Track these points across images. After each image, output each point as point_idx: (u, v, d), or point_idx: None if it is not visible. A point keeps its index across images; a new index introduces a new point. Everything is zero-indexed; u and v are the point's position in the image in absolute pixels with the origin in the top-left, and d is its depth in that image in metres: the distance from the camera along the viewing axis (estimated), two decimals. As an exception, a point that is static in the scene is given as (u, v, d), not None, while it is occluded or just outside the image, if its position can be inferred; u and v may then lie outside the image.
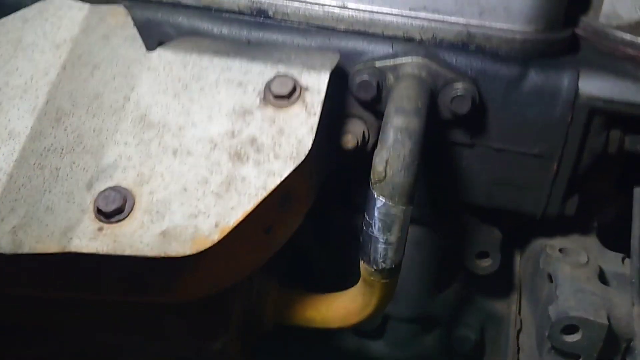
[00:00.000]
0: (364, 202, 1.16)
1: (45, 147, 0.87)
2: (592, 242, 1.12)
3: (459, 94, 0.94)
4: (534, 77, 0.96)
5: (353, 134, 0.98)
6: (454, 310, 1.23)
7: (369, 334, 1.30)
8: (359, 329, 1.29)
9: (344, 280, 1.20)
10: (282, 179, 0.82)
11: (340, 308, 1.01)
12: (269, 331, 1.08)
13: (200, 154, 0.84)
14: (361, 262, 0.93)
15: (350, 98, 0.99)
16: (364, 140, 1.00)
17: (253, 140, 0.85)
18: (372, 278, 0.92)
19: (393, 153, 0.84)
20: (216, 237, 0.78)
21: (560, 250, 1.07)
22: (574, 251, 1.07)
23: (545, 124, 0.98)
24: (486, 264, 1.12)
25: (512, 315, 1.19)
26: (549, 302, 1.01)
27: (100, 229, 0.79)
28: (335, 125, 0.99)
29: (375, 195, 0.85)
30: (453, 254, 1.17)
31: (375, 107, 0.99)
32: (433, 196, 1.09)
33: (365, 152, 1.02)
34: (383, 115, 1.00)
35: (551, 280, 1.05)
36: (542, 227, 1.15)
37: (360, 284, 0.98)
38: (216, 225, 0.79)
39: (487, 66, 0.96)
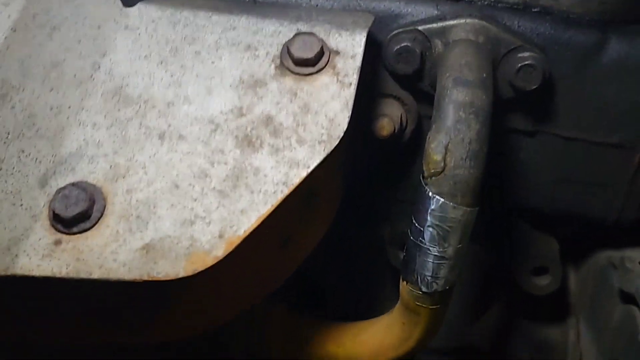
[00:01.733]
0: (389, 207, 0.97)
1: (-16, 132, 0.65)
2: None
3: (527, 62, 0.73)
4: (615, 47, 0.77)
5: (390, 118, 0.77)
6: (497, 339, 1.02)
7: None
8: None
9: (364, 310, 0.99)
10: (309, 171, 0.60)
11: (372, 341, 0.79)
12: (276, 369, 0.85)
13: (196, 139, 0.62)
14: (402, 283, 0.72)
15: (383, 73, 0.78)
16: (401, 127, 0.79)
17: (268, 120, 0.63)
18: (417, 303, 0.71)
19: (455, 137, 0.63)
20: (220, 251, 0.56)
21: (641, 263, 0.87)
22: (657, 265, 0.87)
23: (627, 106, 0.78)
24: (545, 282, 0.91)
25: (570, 345, 0.98)
26: (633, 328, 0.80)
27: (58, 242, 0.57)
28: (365, 106, 0.78)
29: (430, 194, 0.64)
30: (500, 270, 0.96)
31: (416, 84, 0.78)
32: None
33: (399, 143, 0.82)
34: (423, 96, 0.80)
35: (628, 301, 0.85)
36: (604, 235, 0.95)
37: (399, 310, 0.76)
38: (220, 236, 0.57)
39: (556, 32, 0.77)
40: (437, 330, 0.75)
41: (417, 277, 0.69)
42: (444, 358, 1.06)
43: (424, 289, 0.69)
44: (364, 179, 0.87)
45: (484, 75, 0.67)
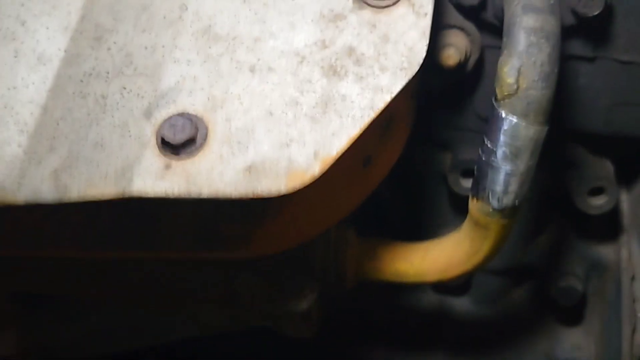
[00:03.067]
0: (450, 135, 1.01)
1: (85, 72, 0.70)
2: None
3: (590, -12, 0.76)
4: (675, -31, 0.79)
5: (456, 48, 0.80)
6: (552, 258, 1.07)
7: (451, 290, 1.14)
8: (440, 285, 1.13)
9: (422, 235, 1.05)
10: (394, 95, 0.65)
11: (441, 257, 0.85)
12: (350, 290, 0.92)
13: (284, 70, 0.67)
14: (472, 200, 0.77)
15: (448, 5, 0.82)
16: (466, 57, 0.83)
17: (351, 51, 0.68)
18: (487, 218, 0.76)
19: (527, 59, 0.67)
20: (317, 169, 0.62)
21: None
22: None
23: (685, 28, 0.81)
24: (601, 202, 0.95)
25: (623, 263, 1.03)
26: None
27: (168, 166, 0.63)
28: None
29: (503, 114, 0.68)
30: (555, 191, 1.00)
31: (480, 15, 0.82)
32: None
33: (463, 72, 0.86)
34: (486, 27, 0.84)
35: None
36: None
37: (467, 226, 0.81)
38: (315, 156, 0.62)
39: (617, -45, 0.79)
40: (503, 244, 0.80)
41: (488, 193, 0.74)
42: (502, 277, 1.12)
43: (494, 205, 0.74)
44: (428, 107, 0.91)
45: (552, 1, 0.70)
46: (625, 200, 1.06)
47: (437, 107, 0.93)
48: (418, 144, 1.00)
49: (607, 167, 0.96)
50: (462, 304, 1.15)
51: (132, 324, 0.91)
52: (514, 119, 0.68)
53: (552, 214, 1.09)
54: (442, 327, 1.17)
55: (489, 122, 0.71)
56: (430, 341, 1.18)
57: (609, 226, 1.07)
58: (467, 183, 0.97)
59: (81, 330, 0.92)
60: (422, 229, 1.07)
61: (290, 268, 0.81)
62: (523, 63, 0.67)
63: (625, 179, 1.05)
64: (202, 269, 0.82)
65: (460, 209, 0.99)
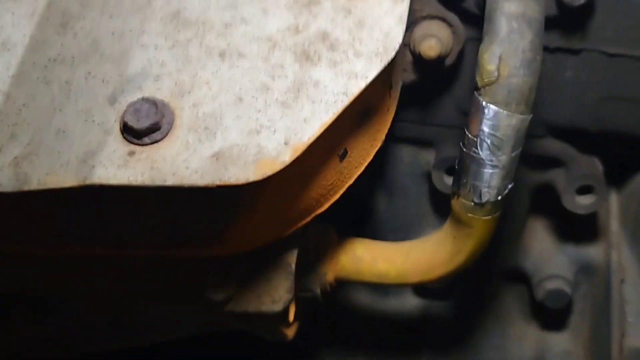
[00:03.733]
0: (432, 131, 0.98)
1: (50, 58, 0.68)
2: None
3: (574, -22, 0.74)
4: (662, -41, 0.77)
5: (437, 39, 0.78)
6: (541, 261, 1.04)
7: (435, 293, 1.11)
8: (423, 288, 1.10)
9: (406, 234, 1.02)
10: (368, 81, 0.62)
11: (423, 258, 0.82)
12: (329, 291, 0.88)
13: (256, 55, 0.64)
14: (454, 197, 0.74)
15: (429, -6, 0.80)
16: (448, 48, 0.80)
17: (324, 36, 0.65)
18: (469, 215, 0.73)
19: (509, 46, 0.64)
20: (287, 157, 0.59)
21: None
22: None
23: (674, 20, 0.79)
24: (589, 201, 0.92)
25: (613, 265, 1.00)
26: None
27: (132, 153, 0.60)
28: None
29: (484, 103, 0.66)
30: (544, 191, 0.97)
31: (461, 5, 0.80)
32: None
33: (444, 64, 0.83)
34: (468, 17, 0.82)
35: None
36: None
37: (450, 225, 0.78)
38: (286, 143, 0.59)
39: (602, -54, 0.77)
40: (487, 243, 0.78)
41: (470, 188, 0.71)
42: (487, 281, 1.09)
43: (476, 200, 0.71)
44: (408, 103, 0.89)
45: (534, -13, 0.68)
46: (614, 201, 1.04)
47: (420, 102, 0.91)
48: (401, 140, 0.98)
49: (595, 166, 0.93)
50: (447, 308, 1.12)
51: (105, 325, 0.88)
52: (496, 108, 0.65)
53: (540, 214, 1.06)
54: (426, 332, 1.14)
55: (470, 112, 0.68)
56: (414, 347, 1.15)
57: (599, 226, 1.04)
58: (451, 181, 0.94)
59: (52, 329, 0.88)
60: (406, 228, 1.04)
61: (266, 268, 0.78)
62: (504, 50, 0.64)
63: (615, 178, 1.03)
64: (174, 268, 0.78)
65: (444, 208, 0.97)
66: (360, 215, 1.06)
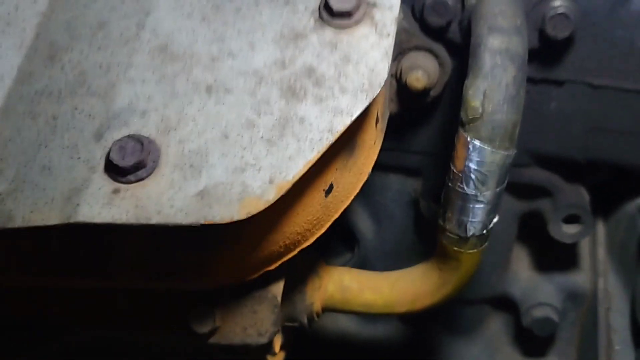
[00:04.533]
0: (420, 160, 0.98)
1: (37, 91, 0.68)
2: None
3: (559, 12, 0.75)
4: (645, -7, 0.78)
5: (424, 71, 0.78)
6: (529, 288, 1.05)
7: (419, 320, 1.11)
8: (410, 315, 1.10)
9: (395, 262, 1.02)
10: (353, 118, 0.62)
11: (409, 288, 0.82)
12: (315, 320, 0.88)
13: (242, 91, 0.64)
14: (440, 230, 0.75)
15: (413, 24, 0.80)
16: (435, 79, 0.81)
17: (310, 71, 0.65)
18: (455, 248, 0.74)
19: (492, 82, 0.65)
20: (271, 196, 0.59)
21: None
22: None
23: (658, 53, 0.79)
24: (575, 230, 0.93)
25: (600, 293, 1.00)
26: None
27: (117, 191, 0.60)
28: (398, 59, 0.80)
29: (468, 139, 0.66)
30: (531, 219, 0.98)
31: (448, 36, 0.80)
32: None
33: (431, 95, 0.83)
34: (454, 48, 0.82)
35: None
36: (634, 184, 0.96)
37: (436, 257, 0.79)
38: (271, 181, 0.59)
39: (587, -20, 0.78)
40: (472, 275, 0.78)
41: (455, 223, 0.71)
42: (476, 307, 1.09)
43: (461, 234, 0.72)
44: (394, 131, 0.89)
45: (518, 22, 0.68)
46: (601, 229, 1.04)
47: (405, 131, 0.91)
48: (388, 169, 0.98)
49: (582, 195, 0.94)
50: (435, 334, 1.12)
51: (84, 350, 0.87)
52: (480, 144, 0.66)
53: (527, 242, 1.06)
54: (414, 357, 1.14)
55: (454, 148, 0.68)
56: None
57: (586, 255, 1.04)
58: (439, 208, 0.94)
59: (37, 356, 0.88)
60: (394, 255, 1.04)
61: (251, 301, 0.78)
62: (488, 85, 0.65)
63: (602, 207, 1.03)
64: (159, 299, 0.78)
65: (432, 235, 0.97)
66: (350, 243, 1.06)
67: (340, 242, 1.08)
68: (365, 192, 1.01)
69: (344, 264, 1.01)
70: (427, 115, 0.89)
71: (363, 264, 1.05)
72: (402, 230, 1.02)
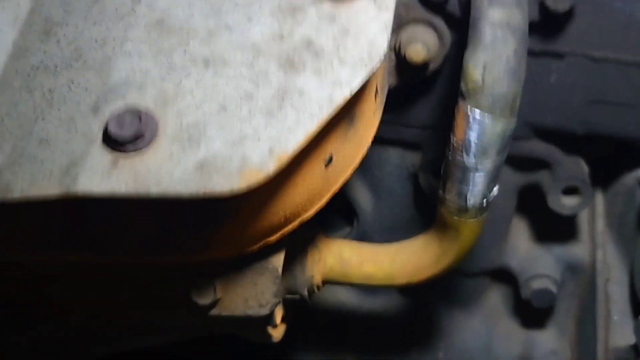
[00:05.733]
0: (419, 134, 0.98)
1: (33, 66, 0.67)
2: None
3: (559, -17, 0.74)
4: (646, -37, 0.77)
5: (423, 44, 0.78)
6: (528, 260, 1.05)
7: (419, 292, 1.11)
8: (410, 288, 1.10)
9: (393, 235, 1.02)
10: (353, 90, 0.62)
11: (410, 260, 0.83)
12: (315, 293, 0.89)
13: (240, 63, 0.64)
14: (440, 201, 0.75)
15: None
16: (434, 52, 0.80)
17: (309, 44, 0.65)
18: (455, 218, 0.74)
19: (493, 54, 0.65)
20: (271, 167, 0.59)
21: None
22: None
23: (657, 24, 0.79)
24: (574, 202, 0.93)
25: (598, 264, 1.01)
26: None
27: (115, 162, 0.60)
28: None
29: (469, 110, 0.66)
30: (530, 191, 0.98)
31: (447, 10, 0.80)
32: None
33: (431, 69, 0.83)
34: (454, 21, 0.82)
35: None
36: (633, 156, 0.96)
37: (436, 228, 0.79)
38: (270, 152, 0.59)
39: (587, -49, 0.77)
40: (472, 246, 0.78)
41: (455, 193, 0.72)
42: (475, 279, 1.09)
43: (462, 204, 0.72)
44: (394, 105, 0.89)
45: (518, -6, 0.68)
46: (600, 201, 1.04)
47: (405, 105, 0.91)
48: (387, 142, 0.98)
49: (581, 167, 0.94)
50: (435, 307, 1.13)
51: (90, 331, 0.88)
52: (480, 114, 0.66)
53: (526, 215, 1.07)
54: (414, 331, 1.15)
55: (454, 118, 0.68)
56: (402, 346, 1.15)
57: (585, 227, 1.05)
58: (438, 182, 0.94)
59: (36, 336, 0.88)
60: (393, 230, 1.04)
61: (252, 272, 0.78)
62: (489, 57, 0.65)
63: (601, 179, 1.03)
64: (160, 273, 0.78)
65: (431, 209, 0.97)
66: (350, 216, 1.06)
67: (339, 216, 1.08)
68: (365, 166, 1.01)
69: (344, 238, 1.01)
70: (426, 89, 0.89)
71: (362, 238, 1.04)
72: (401, 204, 1.03)
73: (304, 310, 0.95)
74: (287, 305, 0.89)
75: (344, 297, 1.13)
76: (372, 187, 1.03)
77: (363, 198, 1.04)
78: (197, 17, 0.68)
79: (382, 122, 0.93)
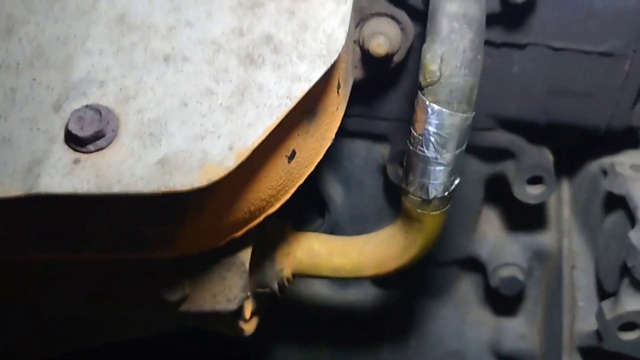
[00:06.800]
0: (386, 126, 0.99)
1: (-6, 65, 0.67)
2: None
3: (517, -25, 0.75)
4: (603, -46, 0.79)
5: (386, 37, 0.79)
6: (496, 249, 1.07)
7: (392, 282, 1.13)
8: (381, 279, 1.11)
9: (364, 227, 1.03)
10: (312, 84, 0.63)
11: (377, 251, 0.84)
12: (286, 286, 0.90)
13: (200, 59, 0.65)
14: (403, 193, 0.76)
15: (377, -8, 0.80)
16: (397, 45, 0.81)
17: (268, 39, 0.65)
18: (418, 211, 0.75)
19: (449, 46, 0.66)
20: (231, 162, 0.59)
21: (631, 167, 0.90)
22: (646, 168, 0.90)
23: (616, 14, 0.80)
24: (539, 191, 0.94)
25: (565, 251, 1.02)
26: (624, 229, 0.85)
27: (77, 161, 0.60)
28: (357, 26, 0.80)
29: (427, 102, 0.67)
30: (496, 181, 0.99)
31: (409, 2, 0.80)
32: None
33: (394, 61, 0.84)
34: (416, 14, 0.82)
35: (619, 205, 0.89)
36: (596, 144, 0.98)
37: (401, 220, 0.80)
38: (230, 148, 0.60)
39: (545, -57, 0.78)
40: (437, 237, 0.79)
41: (418, 185, 0.73)
42: (445, 269, 1.11)
43: (424, 196, 0.73)
44: (360, 98, 0.89)
45: (475, -14, 0.69)
46: (566, 189, 1.06)
47: (371, 97, 0.92)
48: (355, 135, 0.99)
49: (545, 157, 0.95)
50: (407, 297, 1.14)
51: (60, 326, 0.88)
52: (439, 107, 0.67)
53: (496, 204, 1.08)
54: (387, 321, 1.16)
55: (414, 111, 0.69)
56: (376, 336, 1.17)
57: (551, 215, 1.06)
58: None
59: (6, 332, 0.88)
60: (364, 221, 1.05)
61: (220, 268, 0.79)
62: (445, 50, 0.66)
63: (566, 167, 1.05)
64: (129, 270, 0.79)
65: (400, 200, 0.98)
66: (320, 209, 1.07)
67: (311, 209, 1.09)
68: (335, 159, 1.02)
69: (316, 230, 1.02)
70: (392, 81, 0.90)
71: (334, 230, 1.06)
72: (371, 195, 1.04)
73: (278, 303, 0.95)
74: (260, 298, 0.90)
75: (318, 290, 1.14)
76: (342, 179, 1.03)
77: (334, 190, 1.04)
78: (157, 13, 0.68)
79: (351, 115, 0.94)
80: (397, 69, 0.87)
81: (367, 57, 0.82)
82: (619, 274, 0.87)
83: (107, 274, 0.78)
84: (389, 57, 0.81)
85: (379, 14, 0.81)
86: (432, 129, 0.68)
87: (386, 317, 1.16)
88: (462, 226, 1.05)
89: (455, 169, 0.71)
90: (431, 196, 0.72)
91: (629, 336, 0.86)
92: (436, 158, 0.69)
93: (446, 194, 0.72)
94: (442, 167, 0.70)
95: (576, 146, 0.99)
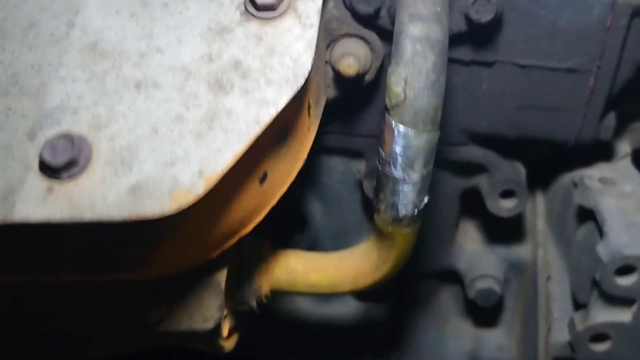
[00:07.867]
0: (362, 143, 1.01)
1: (-31, 93, 0.69)
2: (626, 169, 0.98)
3: (481, -4, 0.77)
4: (566, -27, 0.81)
5: (355, 57, 0.80)
6: (473, 261, 1.08)
7: (373, 296, 1.14)
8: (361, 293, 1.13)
9: (344, 241, 1.05)
10: (279, 109, 0.64)
11: (352, 267, 0.85)
12: (264, 303, 0.91)
13: (170, 86, 0.66)
14: (375, 211, 0.77)
15: (344, 12, 0.82)
16: (367, 65, 0.83)
17: (237, 64, 0.67)
18: (390, 229, 0.77)
19: (413, 69, 0.67)
20: (201, 188, 0.61)
21: (599, 180, 0.92)
22: (614, 180, 0.92)
23: (579, 32, 0.82)
24: (511, 205, 0.96)
25: (539, 262, 1.04)
26: (593, 241, 0.86)
27: (50, 190, 0.61)
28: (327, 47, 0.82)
29: (393, 124, 0.69)
30: (472, 194, 1.01)
31: (377, 23, 0.82)
32: (445, 129, 0.93)
33: (365, 80, 0.86)
34: (386, 34, 0.84)
35: (589, 217, 0.91)
36: (568, 158, 1.00)
37: (374, 237, 0.82)
38: (200, 174, 0.61)
39: (508, -37, 0.80)
40: (410, 252, 0.81)
41: (388, 204, 0.74)
42: (425, 282, 1.13)
43: (394, 215, 0.74)
44: (335, 115, 0.91)
45: (438, 9, 0.70)
46: (541, 202, 1.08)
47: (346, 115, 0.93)
48: (332, 151, 1.01)
49: (518, 170, 0.97)
50: (387, 310, 1.16)
51: (39, 344, 0.89)
52: (404, 128, 0.68)
53: (473, 217, 1.10)
54: (368, 334, 1.18)
55: (382, 132, 0.71)
56: (358, 349, 1.18)
57: (526, 227, 1.08)
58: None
59: None
60: (343, 236, 1.07)
61: (196, 288, 0.80)
62: (409, 72, 0.67)
63: (540, 180, 1.07)
64: (107, 290, 0.80)
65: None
66: (298, 226, 1.08)
67: (290, 225, 1.10)
68: (313, 175, 1.04)
69: (296, 246, 1.04)
70: (365, 99, 0.91)
71: (314, 245, 1.07)
72: (350, 210, 1.05)
73: (260, 318, 0.97)
74: (239, 315, 0.92)
75: (301, 305, 1.15)
76: (320, 195, 1.05)
77: (313, 206, 1.06)
78: (129, 40, 0.70)
79: (328, 132, 0.96)
80: (369, 87, 0.88)
81: (338, 77, 0.83)
82: (590, 286, 0.88)
83: (84, 294, 0.79)
84: (360, 76, 0.82)
85: (349, 35, 0.82)
86: (399, 149, 0.69)
87: (368, 330, 1.17)
88: (440, 239, 1.07)
89: (423, 188, 0.72)
90: (401, 215, 0.74)
91: (600, 347, 0.88)
92: (404, 178, 0.71)
93: (416, 212, 0.74)
94: (410, 187, 0.71)
95: (549, 159, 1.01)
